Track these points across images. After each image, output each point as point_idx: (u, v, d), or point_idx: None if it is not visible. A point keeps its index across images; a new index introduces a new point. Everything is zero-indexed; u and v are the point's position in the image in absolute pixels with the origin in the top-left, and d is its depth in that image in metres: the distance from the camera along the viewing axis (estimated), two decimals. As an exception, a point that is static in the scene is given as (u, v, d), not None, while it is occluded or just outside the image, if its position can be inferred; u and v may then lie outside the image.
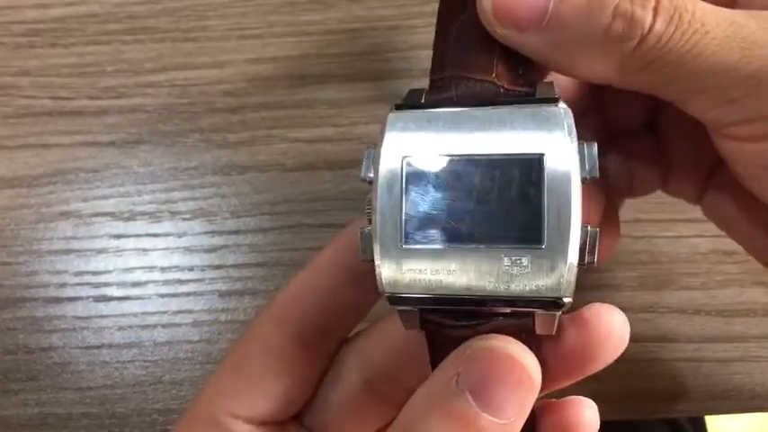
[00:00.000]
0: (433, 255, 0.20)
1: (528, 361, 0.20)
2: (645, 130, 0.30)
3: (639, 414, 0.37)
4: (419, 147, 0.21)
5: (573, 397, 0.23)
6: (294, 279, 0.26)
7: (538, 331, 0.21)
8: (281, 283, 0.39)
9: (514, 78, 0.22)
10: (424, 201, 0.21)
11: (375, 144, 0.21)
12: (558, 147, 0.20)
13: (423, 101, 0.22)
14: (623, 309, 0.37)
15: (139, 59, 0.43)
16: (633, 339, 0.36)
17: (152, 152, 0.41)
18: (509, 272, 0.20)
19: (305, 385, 0.26)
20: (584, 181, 0.20)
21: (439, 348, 0.22)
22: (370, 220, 0.21)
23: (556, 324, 0.21)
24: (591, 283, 0.38)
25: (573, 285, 0.20)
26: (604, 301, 0.38)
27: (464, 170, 0.20)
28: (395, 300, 0.21)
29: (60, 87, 0.42)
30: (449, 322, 0.21)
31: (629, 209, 0.38)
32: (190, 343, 0.38)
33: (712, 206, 0.29)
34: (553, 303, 0.20)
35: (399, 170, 0.21)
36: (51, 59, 0.43)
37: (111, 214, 0.40)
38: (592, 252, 0.20)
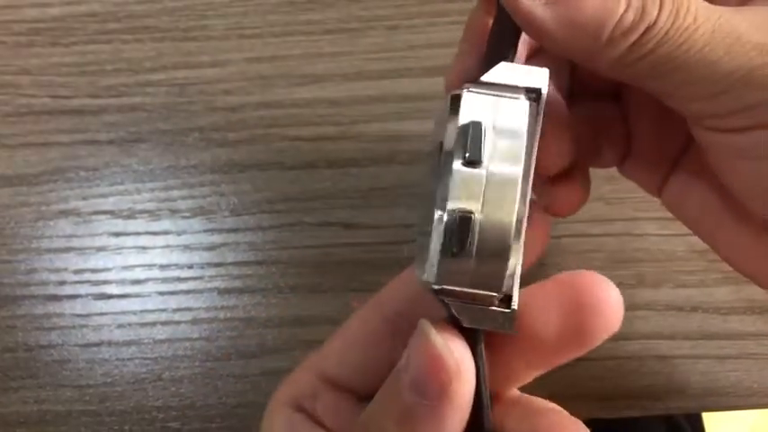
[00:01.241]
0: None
1: (435, 338, 0.20)
2: (612, 103, 0.29)
3: (636, 411, 0.37)
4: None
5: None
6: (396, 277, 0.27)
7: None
8: (279, 282, 0.39)
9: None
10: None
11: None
12: (447, 131, 0.20)
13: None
14: (621, 306, 0.37)
15: (139, 58, 0.43)
16: (630, 337, 0.37)
17: (151, 150, 0.41)
18: (420, 258, 0.21)
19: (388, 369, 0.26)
20: (465, 163, 0.20)
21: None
22: None
23: (445, 309, 0.21)
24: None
25: (440, 272, 0.20)
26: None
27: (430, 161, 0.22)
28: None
29: (60, 86, 0.43)
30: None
31: (628, 207, 0.39)
32: (189, 340, 0.38)
33: (674, 198, 0.29)
34: (433, 290, 0.20)
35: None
36: (51, 58, 0.43)
37: (111, 212, 0.40)
38: (461, 241, 0.20)
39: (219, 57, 0.43)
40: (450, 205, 0.20)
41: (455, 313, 0.21)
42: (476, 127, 0.20)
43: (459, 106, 0.20)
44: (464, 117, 0.20)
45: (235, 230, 0.40)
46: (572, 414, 0.24)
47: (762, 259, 0.26)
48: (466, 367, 0.20)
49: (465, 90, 0.20)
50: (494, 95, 0.21)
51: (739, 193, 0.24)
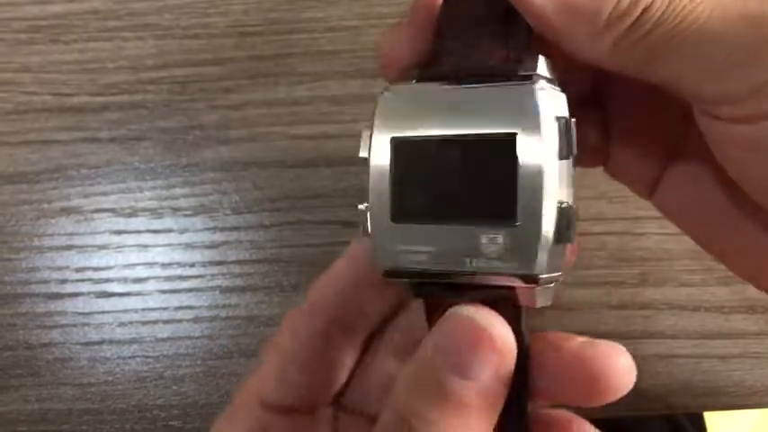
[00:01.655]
0: (417, 232, 0.22)
1: (487, 320, 0.21)
2: (593, 101, 0.29)
3: (639, 410, 0.37)
4: (406, 128, 0.22)
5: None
6: (320, 277, 0.27)
7: (521, 303, 0.22)
8: (281, 280, 0.39)
9: (502, 56, 0.22)
10: (409, 180, 0.22)
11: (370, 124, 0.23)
12: (531, 125, 0.20)
13: (416, 76, 0.23)
14: (624, 306, 0.37)
15: (140, 56, 0.43)
16: (632, 336, 0.37)
17: (153, 148, 0.41)
18: (487, 249, 0.21)
19: (334, 375, 0.27)
20: (562, 157, 0.21)
21: (435, 317, 0.22)
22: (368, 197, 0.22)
23: (537, 297, 0.21)
24: (592, 281, 0.38)
25: (548, 261, 0.20)
26: (605, 299, 0.38)
27: (444, 151, 0.21)
28: (387, 274, 0.22)
29: (61, 84, 0.43)
30: (440, 293, 0.22)
31: (630, 206, 0.39)
32: (191, 339, 0.38)
33: (667, 198, 0.28)
34: (530, 279, 0.21)
35: (388, 151, 0.22)
36: (52, 56, 0.43)
37: (113, 210, 0.40)
38: (568, 228, 0.21)
39: (221, 54, 0.43)
40: (560, 197, 0.20)
41: (527, 299, 0.22)
42: (567, 122, 0.21)
43: (534, 97, 0.21)
44: (548, 112, 0.21)
45: (236, 229, 0.40)
46: (576, 413, 0.25)
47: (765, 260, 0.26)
48: (509, 343, 0.21)
49: (538, 86, 0.21)
50: (558, 91, 0.22)
51: (751, 190, 0.24)
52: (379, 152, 0.22)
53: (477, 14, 0.23)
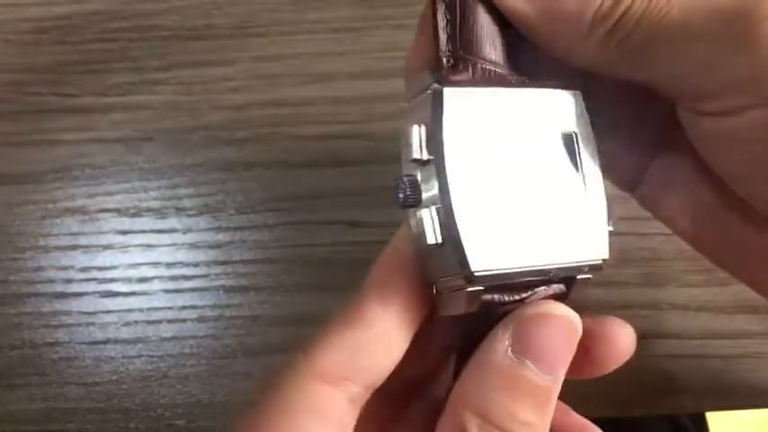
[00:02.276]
0: (507, 232, 0.21)
1: (573, 314, 0.22)
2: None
3: (641, 410, 0.37)
4: (481, 125, 0.21)
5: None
6: (337, 329, 0.23)
7: (573, 294, 0.23)
8: (285, 280, 0.39)
9: (515, 65, 0.23)
10: (492, 179, 0.21)
11: (422, 122, 0.21)
12: (583, 126, 0.23)
13: (444, 79, 0.22)
14: (627, 305, 0.37)
15: (146, 57, 0.43)
16: (636, 336, 0.37)
17: (158, 149, 0.41)
18: (565, 242, 0.22)
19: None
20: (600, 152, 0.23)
21: (482, 327, 0.22)
22: (416, 204, 0.21)
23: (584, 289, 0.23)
24: (595, 281, 0.38)
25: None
26: (609, 299, 0.38)
27: (519, 146, 0.22)
28: (473, 278, 0.21)
29: (66, 84, 0.43)
30: (501, 298, 0.22)
31: (633, 206, 0.39)
32: (195, 338, 0.38)
33: (650, 194, 0.28)
34: (597, 267, 0.22)
35: (467, 148, 0.21)
36: (58, 56, 0.43)
37: (117, 210, 0.40)
38: (613, 217, 0.23)
39: (226, 55, 0.43)
40: None
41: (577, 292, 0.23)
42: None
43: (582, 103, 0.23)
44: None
45: (241, 229, 0.40)
46: (578, 413, 0.25)
47: (754, 256, 0.26)
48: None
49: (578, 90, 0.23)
50: None
51: (734, 182, 0.24)
52: (455, 150, 0.21)
53: (483, 19, 0.23)
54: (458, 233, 0.20)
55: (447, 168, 0.20)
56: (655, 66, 0.22)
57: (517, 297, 0.22)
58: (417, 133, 0.21)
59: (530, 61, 0.23)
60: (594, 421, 0.28)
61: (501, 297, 0.22)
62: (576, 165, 0.22)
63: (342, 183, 0.40)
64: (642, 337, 0.37)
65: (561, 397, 0.23)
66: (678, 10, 0.21)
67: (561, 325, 0.21)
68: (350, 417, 0.22)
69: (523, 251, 0.21)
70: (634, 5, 0.21)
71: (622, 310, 0.37)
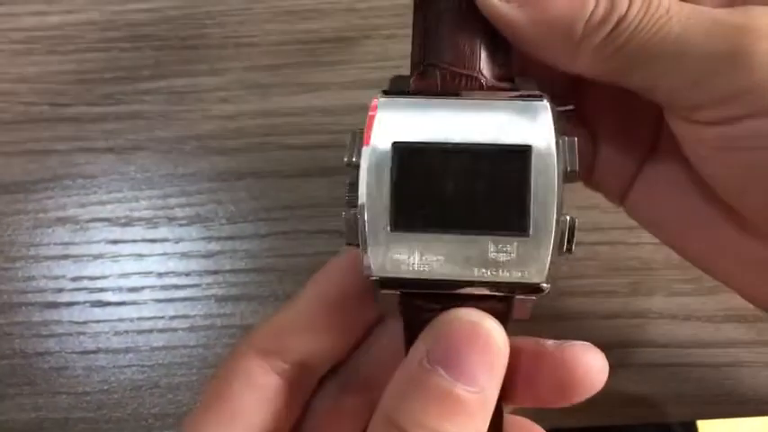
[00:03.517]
0: (422, 240, 0.21)
1: (490, 324, 0.21)
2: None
3: (631, 419, 0.37)
4: (408, 132, 0.21)
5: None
6: (276, 314, 0.26)
7: (515, 316, 0.22)
8: (276, 289, 0.39)
9: (494, 73, 0.23)
10: (412, 186, 0.21)
11: (360, 129, 0.22)
12: (544, 140, 0.21)
13: (409, 89, 0.23)
14: (615, 315, 0.38)
15: (137, 66, 0.43)
16: (624, 345, 0.37)
17: (149, 158, 0.41)
18: (495, 258, 0.21)
19: (288, 415, 0.26)
20: (566, 172, 0.21)
21: (415, 332, 0.22)
22: (353, 205, 0.22)
23: (530, 310, 0.22)
24: (584, 290, 0.38)
25: (552, 272, 0.21)
26: (597, 308, 0.38)
27: (453, 158, 0.21)
28: (381, 282, 0.22)
29: (58, 94, 0.43)
30: (427, 305, 0.22)
31: (622, 215, 0.39)
32: (186, 348, 0.38)
33: (639, 204, 0.28)
34: (535, 289, 0.21)
35: (388, 155, 0.21)
36: (50, 66, 0.43)
37: (109, 220, 0.40)
38: (570, 241, 0.21)
39: (217, 65, 0.43)
40: (563, 210, 0.21)
41: (521, 311, 0.22)
42: (572, 140, 0.21)
43: (549, 113, 0.21)
44: (558, 129, 0.21)
45: (232, 238, 0.40)
46: (567, 423, 0.25)
47: (741, 263, 0.26)
48: (507, 347, 0.21)
49: (549, 104, 0.21)
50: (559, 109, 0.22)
51: (727, 191, 0.24)
52: (376, 157, 0.21)
53: (461, 26, 0.23)
54: (365, 238, 0.21)
55: (362, 176, 0.21)
56: (649, 76, 0.22)
57: (443, 306, 0.22)
58: (352, 139, 0.22)
59: (513, 66, 0.23)
60: (584, 430, 0.28)
61: (427, 305, 0.22)
62: (522, 181, 0.21)
63: (333, 192, 0.40)
64: (630, 346, 0.37)
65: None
66: (677, 21, 0.21)
67: (467, 330, 0.21)
68: (279, 388, 0.25)
69: (437, 263, 0.21)
70: (629, 15, 0.21)
71: (610, 319, 0.37)
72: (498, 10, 0.22)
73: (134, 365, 0.38)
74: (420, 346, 0.21)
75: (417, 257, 0.21)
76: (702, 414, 0.37)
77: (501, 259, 0.21)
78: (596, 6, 0.21)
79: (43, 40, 0.44)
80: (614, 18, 0.21)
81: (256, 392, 0.25)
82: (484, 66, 0.23)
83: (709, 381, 0.37)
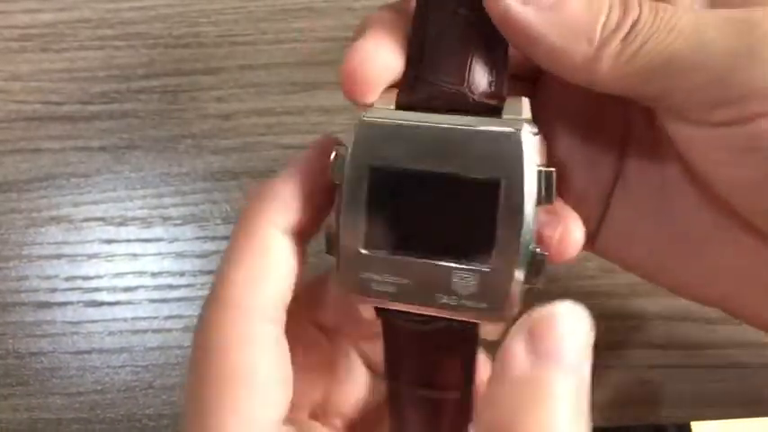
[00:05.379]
0: (389, 262, 0.22)
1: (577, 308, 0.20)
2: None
3: (626, 420, 0.37)
4: (386, 157, 0.22)
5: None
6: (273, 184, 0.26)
7: (482, 336, 0.23)
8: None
9: (484, 90, 0.22)
10: (385, 210, 0.22)
11: (345, 147, 0.22)
12: (515, 173, 0.20)
13: (395, 103, 0.22)
14: (613, 316, 0.37)
15: (131, 65, 0.43)
16: (621, 346, 0.37)
17: (144, 158, 0.41)
18: (457, 287, 0.21)
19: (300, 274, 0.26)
20: (539, 204, 0.21)
21: (394, 337, 0.23)
22: (337, 220, 0.22)
23: (500, 332, 0.22)
24: (582, 291, 0.38)
25: (517, 302, 0.21)
26: (595, 309, 0.38)
27: (426, 186, 0.21)
28: (352, 297, 0.23)
29: (51, 92, 0.42)
30: (402, 320, 0.23)
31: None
32: (181, 348, 0.38)
33: (610, 244, 0.28)
34: (497, 320, 0.22)
35: (366, 178, 0.22)
36: (42, 64, 0.43)
37: (103, 219, 0.40)
38: (537, 274, 0.21)
39: (212, 64, 0.43)
40: (533, 243, 0.21)
41: (489, 334, 0.23)
42: (549, 173, 0.21)
43: (521, 147, 0.21)
44: (532, 161, 0.21)
45: (226, 238, 0.40)
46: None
47: (741, 278, 0.26)
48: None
49: (523, 131, 0.21)
50: (539, 136, 0.22)
51: (741, 199, 0.23)
52: (354, 178, 0.22)
53: (453, 39, 0.22)
54: (338, 254, 0.22)
55: (341, 196, 0.22)
56: (668, 79, 0.21)
57: (419, 321, 0.23)
58: (335, 159, 0.22)
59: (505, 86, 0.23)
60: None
61: (403, 322, 0.23)
62: (488, 214, 0.21)
63: (328, 192, 0.40)
64: (627, 347, 0.37)
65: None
66: (687, 21, 0.21)
67: (563, 321, 0.20)
68: (291, 248, 0.24)
69: (405, 286, 0.22)
70: (642, 17, 0.21)
71: (608, 320, 0.37)
72: (515, 14, 0.21)
73: (128, 366, 0.38)
74: (515, 352, 0.19)
75: (387, 278, 0.22)
76: (697, 416, 0.38)
77: (463, 289, 0.21)
78: (610, 11, 0.21)
79: (36, 37, 0.44)
80: (628, 22, 0.21)
81: (275, 252, 0.24)
82: (473, 82, 0.22)
83: (704, 382, 0.37)
